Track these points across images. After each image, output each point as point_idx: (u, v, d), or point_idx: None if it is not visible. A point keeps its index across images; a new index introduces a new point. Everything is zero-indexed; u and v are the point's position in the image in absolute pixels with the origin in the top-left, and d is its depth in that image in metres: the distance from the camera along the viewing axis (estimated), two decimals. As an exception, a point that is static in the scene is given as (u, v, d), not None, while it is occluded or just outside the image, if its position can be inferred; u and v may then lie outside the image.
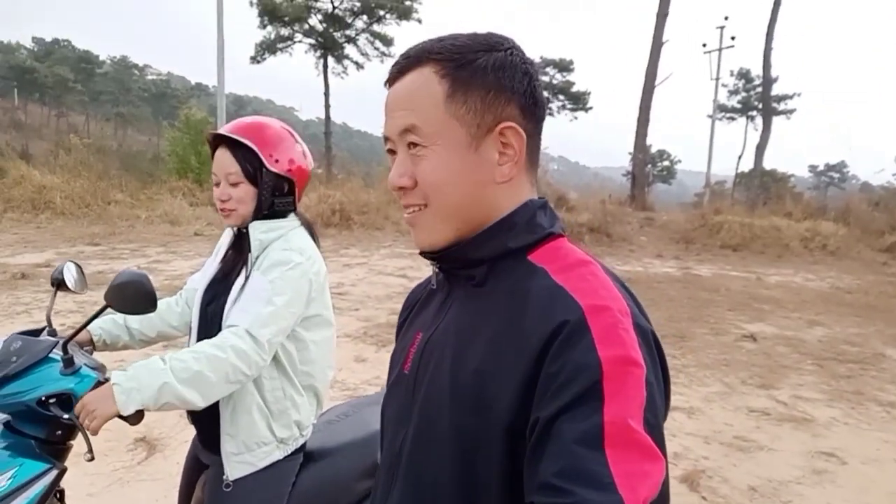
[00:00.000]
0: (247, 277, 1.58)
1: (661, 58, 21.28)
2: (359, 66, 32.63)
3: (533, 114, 0.80)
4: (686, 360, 5.56)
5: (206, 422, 1.59)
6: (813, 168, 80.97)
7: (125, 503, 2.86)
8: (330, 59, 31.43)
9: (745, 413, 4.38)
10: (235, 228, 1.68)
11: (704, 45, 28.10)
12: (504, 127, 0.78)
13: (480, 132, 0.77)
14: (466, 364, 0.76)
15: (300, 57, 47.97)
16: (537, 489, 0.62)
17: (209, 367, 1.39)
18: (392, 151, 0.83)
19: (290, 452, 1.64)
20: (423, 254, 0.85)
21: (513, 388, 0.70)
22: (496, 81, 0.77)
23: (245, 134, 1.58)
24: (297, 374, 1.63)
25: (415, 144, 0.78)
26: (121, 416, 1.31)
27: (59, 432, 1.39)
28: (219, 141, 1.61)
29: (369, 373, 4.64)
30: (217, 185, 1.62)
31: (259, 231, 1.61)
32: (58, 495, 1.44)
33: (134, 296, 1.34)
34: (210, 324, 1.64)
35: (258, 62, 31.22)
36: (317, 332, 1.66)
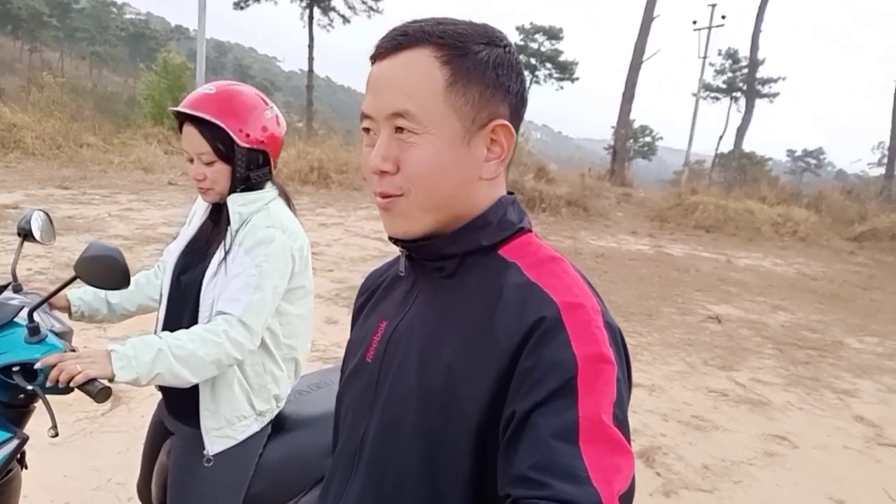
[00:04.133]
0: (226, 252, 1.56)
1: (651, 33, 21.15)
2: (345, 19, 31.89)
3: (518, 114, 0.80)
4: (651, 339, 5.67)
5: (175, 391, 1.59)
6: (791, 153, 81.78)
7: (89, 453, 2.86)
8: (316, 11, 30.62)
9: (705, 393, 4.50)
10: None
11: (695, 23, 27.96)
12: (498, 124, 0.77)
13: (474, 127, 0.76)
14: (436, 361, 0.76)
15: (285, 5, 46.67)
16: (512, 482, 0.63)
17: (204, 348, 1.41)
18: (368, 130, 0.79)
19: (265, 424, 1.65)
20: (395, 241, 0.84)
21: (485, 387, 0.70)
22: (496, 78, 0.76)
23: (212, 111, 1.51)
24: (280, 349, 1.64)
25: (405, 130, 0.75)
26: (87, 392, 1.26)
27: (21, 396, 1.37)
28: (185, 116, 1.54)
29: (340, 335, 4.65)
30: (190, 161, 1.58)
31: (237, 204, 1.58)
32: (19, 458, 1.43)
33: (105, 271, 1.30)
34: (183, 293, 1.62)
35: (241, 8, 30.31)
36: (299, 304, 1.66)
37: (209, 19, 15.25)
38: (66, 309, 1.65)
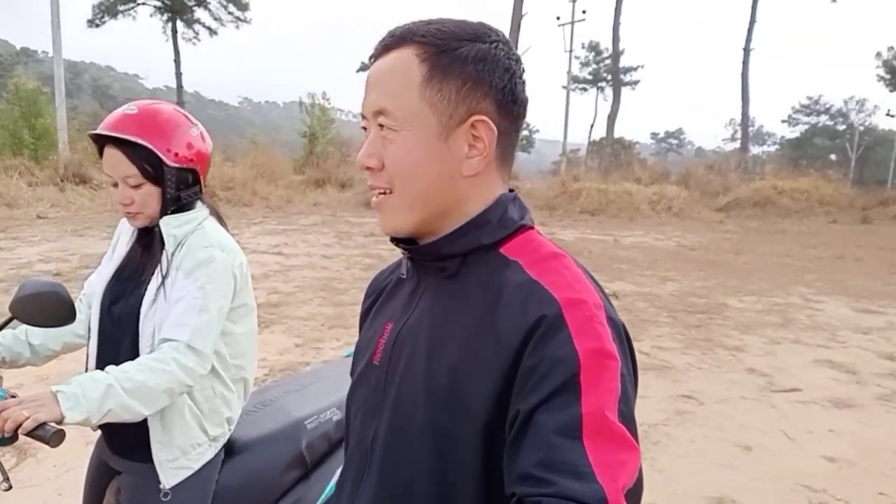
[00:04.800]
0: (164, 276, 1.51)
1: (522, 30, 21.95)
2: (212, 31, 30.76)
3: (510, 111, 0.79)
4: (560, 321, 5.92)
5: (117, 428, 1.50)
6: (655, 135, 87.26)
7: (-2, 516, 2.63)
8: (179, 24, 29.32)
9: (615, 365, 4.77)
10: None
11: (558, 18, 29.30)
12: (476, 120, 0.76)
13: (452, 122, 0.76)
14: (442, 361, 0.76)
15: (144, 20, 44.27)
16: (517, 480, 0.63)
17: (153, 378, 1.34)
18: (366, 129, 0.81)
19: (219, 449, 1.60)
20: (395, 242, 0.84)
21: (490, 386, 0.70)
22: (475, 73, 0.75)
23: (135, 131, 1.44)
24: (229, 370, 1.59)
25: (385, 127, 0.76)
26: (39, 438, 1.19)
27: None
28: (105, 138, 1.47)
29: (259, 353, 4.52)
30: (115, 185, 1.50)
31: (171, 227, 1.52)
32: None
33: (48, 308, 1.22)
34: (117, 324, 1.54)
35: (97, 26, 28.51)
36: (243, 322, 1.62)
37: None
38: None
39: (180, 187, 1.53)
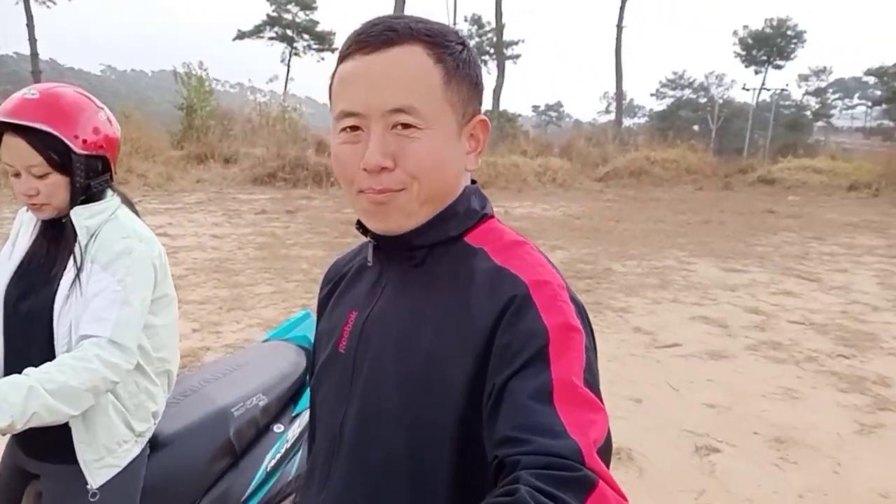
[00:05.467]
0: (78, 269, 1.43)
1: (406, 5, 21.74)
2: (67, -7, 28.13)
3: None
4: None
5: (31, 431, 1.43)
6: (535, 108, 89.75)
7: None
8: (29, -15, 26.50)
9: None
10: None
11: (441, -10, 29.25)
12: (479, 120, 0.82)
13: (464, 121, 0.80)
14: (414, 348, 0.78)
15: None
16: (497, 445, 0.66)
17: (76, 378, 1.28)
18: (355, 128, 0.77)
19: (145, 444, 1.56)
20: (362, 230, 0.86)
21: (466, 368, 0.74)
22: (475, 76, 0.81)
23: (38, 117, 1.35)
24: (152, 364, 1.54)
25: (407, 126, 0.75)
26: None
27: None
28: (4, 125, 1.36)
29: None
30: (16, 175, 1.41)
31: (83, 218, 1.45)
32: None
33: None
34: (26, 323, 1.45)
35: (-74, -17, 25.18)
36: (164, 314, 1.57)
37: None
38: None
39: (90, 175, 1.46)
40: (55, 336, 1.42)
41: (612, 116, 31.66)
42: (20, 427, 1.21)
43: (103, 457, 1.47)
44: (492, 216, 0.88)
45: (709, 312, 5.69)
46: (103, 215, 1.48)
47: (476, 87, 0.82)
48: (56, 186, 1.41)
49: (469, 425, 0.73)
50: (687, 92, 52.45)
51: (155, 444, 1.61)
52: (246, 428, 1.80)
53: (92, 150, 1.43)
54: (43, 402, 1.23)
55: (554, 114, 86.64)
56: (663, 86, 52.98)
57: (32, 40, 25.04)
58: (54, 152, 1.38)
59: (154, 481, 1.57)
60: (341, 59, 0.79)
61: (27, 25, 25.13)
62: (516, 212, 11.97)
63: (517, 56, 47.43)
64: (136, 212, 1.60)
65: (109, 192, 1.53)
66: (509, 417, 0.66)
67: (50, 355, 1.40)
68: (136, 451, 1.53)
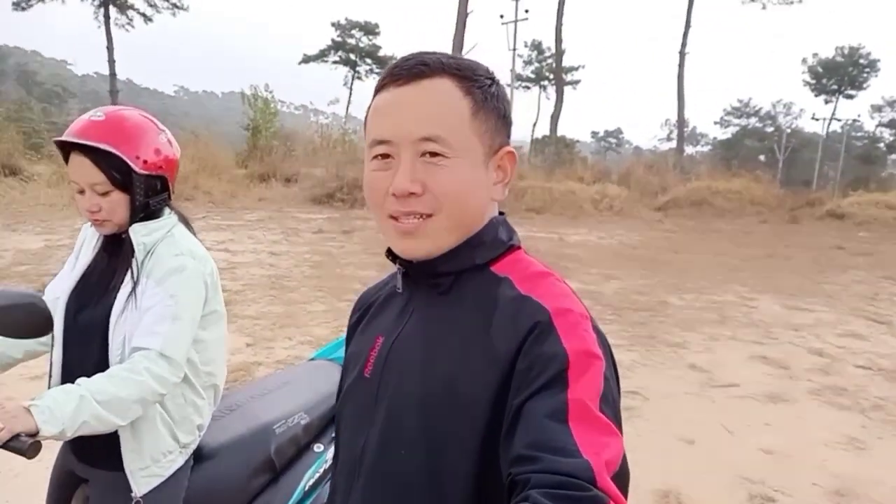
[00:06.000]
0: (135, 284, 1.48)
1: (468, 28, 22.06)
2: (146, 18, 29.72)
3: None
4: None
5: (84, 437, 1.49)
6: (594, 134, 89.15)
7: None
8: (112, 10, 28.18)
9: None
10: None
11: (502, 17, 29.53)
12: (506, 151, 0.85)
13: (490, 152, 0.83)
14: (437, 372, 0.80)
15: (74, 5, 42.24)
16: (512, 462, 0.67)
17: (125, 389, 1.33)
18: (386, 156, 0.81)
19: (189, 455, 1.59)
20: (393, 258, 0.88)
21: (487, 391, 0.75)
22: (504, 110, 0.84)
23: (102, 138, 1.42)
24: (199, 377, 1.58)
25: (435, 154, 0.79)
26: (15, 449, 1.16)
27: None
28: (71, 145, 1.44)
29: (205, 355, 4.44)
30: (81, 192, 1.48)
31: (141, 235, 1.51)
32: None
33: (23, 319, 1.19)
34: (85, 333, 1.51)
35: (23, 9, 27.09)
36: (213, 329, 1.61)
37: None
38: None
39: (149, 194, 1.52)
40: (110, 347, 1.47)
41: (674, 144, 31.12)
42: (70, 435, 1.26)
43: (148, 466, 1.51)
44: (519, 247, 0.90)
45: (770, 352, 5.45)
46: (160, 232, 1.54)
47: (504, 119, 0.85)
48: (117, 204, 1.48)
49: (489, 450, 0.74)
50: (753, 120, 51.20)
51: (199, 456, 1.64)
52: (287, 445, 1.82)
53: (151, 171, 1.49)
54: (93, 411, 1.28)
55: (613, 140, 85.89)
56: (728, 114, 51.90)
57: (111, 61, 26.56)
58: (116, 171, 1.45)
59: (195, 492, 1.60)
60: (377, 91, 0.84)
61: (107, 48, 26.69)
62: (571, 239, 11.85)
63: (577, 82, 47.37)
64: (192, 230, 1.66)
65: (167, 211, 1.59)
66: (523, 436, 0.67)
67: (104, 365, 1.45)
68: (181, 461, 1.57)
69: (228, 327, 5.18)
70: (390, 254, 0.88)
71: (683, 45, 28.45)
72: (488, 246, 0.86)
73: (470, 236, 0.85)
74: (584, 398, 0.69)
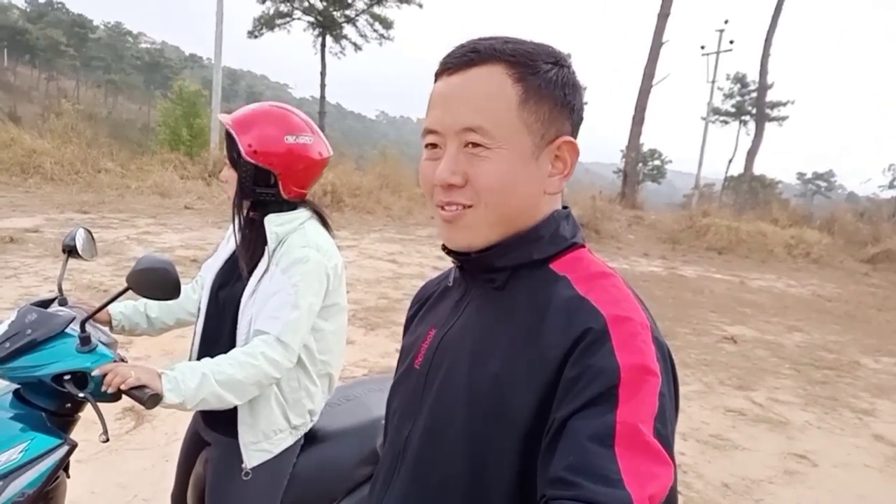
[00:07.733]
0: (265, 270, 1.61)
1: (660, 58, 21.34)
2: (357, 47, 32.48)
3: (577, 131, 0.83)
4: (668, 359, 5.65)
5: None
6: (801, 175, 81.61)
7: (114, 471, 2.90)
8: (328, 39, 31.21)
9: (723, 412, 4.49)
10: (242, 216, 1.71)
11: (703, 48, 28.17)
12: (563, 141, 0.79)
13: (543, 143, 0.78)
14: (484, 368, 0.77)
15: (298, 34, 47.46)
16: (549, 483, 0.64)
17: (242, 372, 1.46)
18: (434, 146, 0.80)
19: (299, 437, 1.69)
20: (450, 252, 0.85)
21: (533, 395, 0.71)
22: (563, 97, 0.78)
23: (235, 123, 1.61)
24: (315, 365, 1.67)
25: (477, 145, 0.76)
26: (137, 398, 1.31)
27: (69, 405, 1.41)
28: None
29: (357, 355, 4.69)
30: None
31: (274, 224, 1.64)
32: (65, 466, 1.45)
33: (157, 282, 1.34)
34: (221, 309, 1.67)
35: (255, 37, 30.99)
36: (333, 320, 1.70)
37: (223, 47, 15.60)
38: (108, 323, 1.71)
39: (257, 182, 1.63)
40: (238, 324, 1.61)
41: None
42: (190, 408, 1.40)
43: (260, 441, 1.62)
44: (582, 245, 0.84)
45: None
46: (292, 224, 1.66)
47: (562, 107, 0.79)
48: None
49: (531, 453, 0.71)
50: None
51: (310, 439, 1.73)
52: (393, 441, 1.86)
53: (258, 161, 1.59)
54: (212, 389, 1.41)
55: (823, 184, 78.17)
56: (970, 161, 44.65)
57: (322, 86, 29.34)
58: (233, 150, 1.62)
59: (303, 472, 1.69)
60: (434, 81, 0.82)
61: (321, 73, 29.51)
62: (754, 283, 10.87)
63: (783, 118, 43.69)
64: (328, 226, 1.76)
65: (302, 207, 1.71)
66: (565, 456, 0.64)
67: (233, 344, 1.60)
68: (290, 441, 1.67)
69: (383, 332, 5.45)
70: (445, 247, 0.86)
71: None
72: (547, 241, 0.81)
73: (524, 230, 0.81)
74: (634, 420, 0.64)
